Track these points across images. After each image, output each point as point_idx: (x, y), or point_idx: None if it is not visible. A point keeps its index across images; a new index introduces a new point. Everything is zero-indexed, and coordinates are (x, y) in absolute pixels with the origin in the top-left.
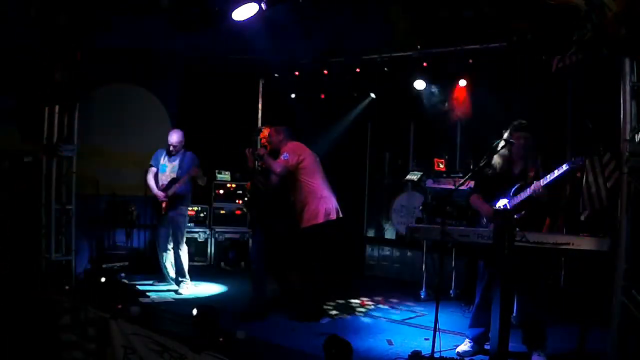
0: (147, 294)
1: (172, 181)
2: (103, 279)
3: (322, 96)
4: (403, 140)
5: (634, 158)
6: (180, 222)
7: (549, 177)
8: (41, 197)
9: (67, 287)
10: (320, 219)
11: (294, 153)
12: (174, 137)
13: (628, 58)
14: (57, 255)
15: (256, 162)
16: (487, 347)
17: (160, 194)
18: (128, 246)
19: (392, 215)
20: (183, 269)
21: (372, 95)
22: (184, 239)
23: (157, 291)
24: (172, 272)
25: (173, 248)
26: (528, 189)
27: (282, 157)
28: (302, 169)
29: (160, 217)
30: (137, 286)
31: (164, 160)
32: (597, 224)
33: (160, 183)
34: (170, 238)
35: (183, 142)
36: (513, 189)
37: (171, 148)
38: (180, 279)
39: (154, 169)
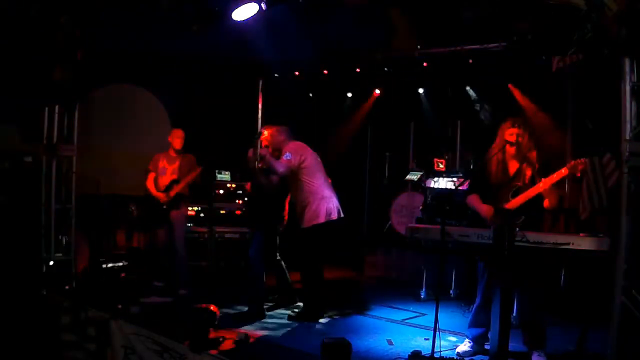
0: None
1: (174, 182)
2: None
3: (321, 96)
4: (403, 140)
5: (634, 158)
6: (181, 222)
7: (549, 182)
8: (41, 197)
9: (67, 287)
10: (322, 219)
11: (296, 153)
12: (178, 137)
13: (628, 58)
14: (57, 255)
15: (257, 162)
16: (487, 347)
17: (162, 196)
18: (128, 246)
19: (392, 216)
20: (183, 278)
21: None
22: (184, 239)
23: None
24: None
25: (172, 250)
26: (527, 192)
27: (284, 157)
28: (304, 168)
29: (161, 219)
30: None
31: (163, 163)
32: (597, 224)
33: (160, 186)
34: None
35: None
36: (510, 194)
37: (177, 148)
38: (181, 291)
39: (152, 174)
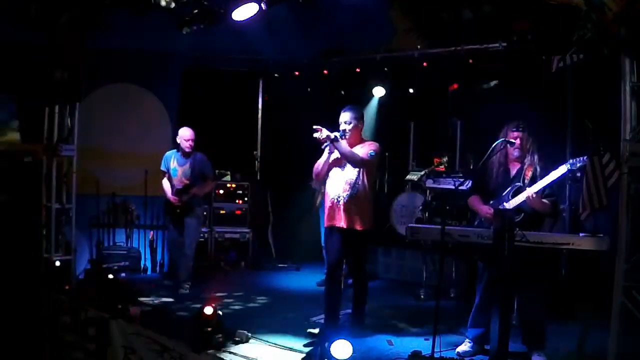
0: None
1: (187, 187)
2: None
3: (321, 96)
4: (403, 140)
5: (634, 158)
6: (194, 226)
7: (544, 182)
8: (41, 197)
9: (67, 287)
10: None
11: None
12: (187, 139)
13: (628, 58)
14: (57, 255)
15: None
16: (487, 347)
17: (174, 199)
18: (128, 246)
19: (392, 215)
20: (185, 278)
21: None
22: (196, 243)
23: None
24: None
25: (182, 250)
26: (523, 194)
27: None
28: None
29: (174, 221)
30: None
31: (174, 163)
32: (597, 224)
33: (174, 187)
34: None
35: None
36: (510, 192)
37: (187, 148)
38: (184, 285)
39: (166, 174)
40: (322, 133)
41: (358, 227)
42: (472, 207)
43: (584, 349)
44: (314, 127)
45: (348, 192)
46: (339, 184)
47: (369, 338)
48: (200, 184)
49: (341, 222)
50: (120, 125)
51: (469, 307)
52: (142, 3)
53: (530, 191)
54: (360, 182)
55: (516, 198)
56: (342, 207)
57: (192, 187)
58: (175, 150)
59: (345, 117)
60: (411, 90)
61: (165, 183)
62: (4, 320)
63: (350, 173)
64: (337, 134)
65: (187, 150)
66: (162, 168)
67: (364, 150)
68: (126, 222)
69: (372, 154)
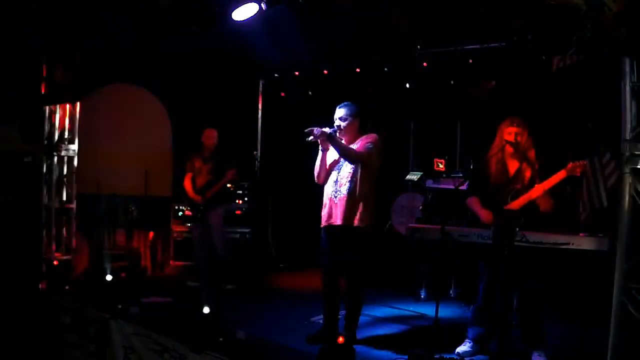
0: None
1: (209, 184)
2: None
3: (321, 96)
4: (403, 140)
5: (634, 158)
6: (218, 223)
7: (545, 187)
8: (41, 197)
9: (67, 287)
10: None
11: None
12: (211, 138)
13: (628, 58)
14: (57, 255)
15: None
16: (487, 347)
17: (197, 198)
18: (128, 246)
19: (392, 216)
20: (226, 273)
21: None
22: (223, 239)
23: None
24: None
25: (213, 248)
26: (525, 196)
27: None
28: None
29: (198, 221)
30: None
31: (199, 163)
32: (597, 224)
33: (197, 186)
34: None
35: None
36: (510, 194)
37: (211, 147)
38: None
39: (189, 175)
40: (315, 132)
41: (355, 223)
42: (470, 209)
43: (584, 349)
44: (305, 130)
45: (346, 187)
46: (336, 181)
47: (369, 338)
48: (220, 180)
49: (337, 219)
50: (120, 125)
51: (469, 306)
52: (142, 3)
53: (543, 187)
54: (358, 177)
55: (516, 201)
56: (338, 203)
57: (213, 185)
58: (197, 151)
59: (340, 113)
60: (411, 91)
61: (187, 184)
62: (4, 320)
63: (347, 168)
64: (327, 129)
65: (211, 148)
66: (187, 169)
67: (360, 144)
68: (126, 222)
69: (370, 146)
